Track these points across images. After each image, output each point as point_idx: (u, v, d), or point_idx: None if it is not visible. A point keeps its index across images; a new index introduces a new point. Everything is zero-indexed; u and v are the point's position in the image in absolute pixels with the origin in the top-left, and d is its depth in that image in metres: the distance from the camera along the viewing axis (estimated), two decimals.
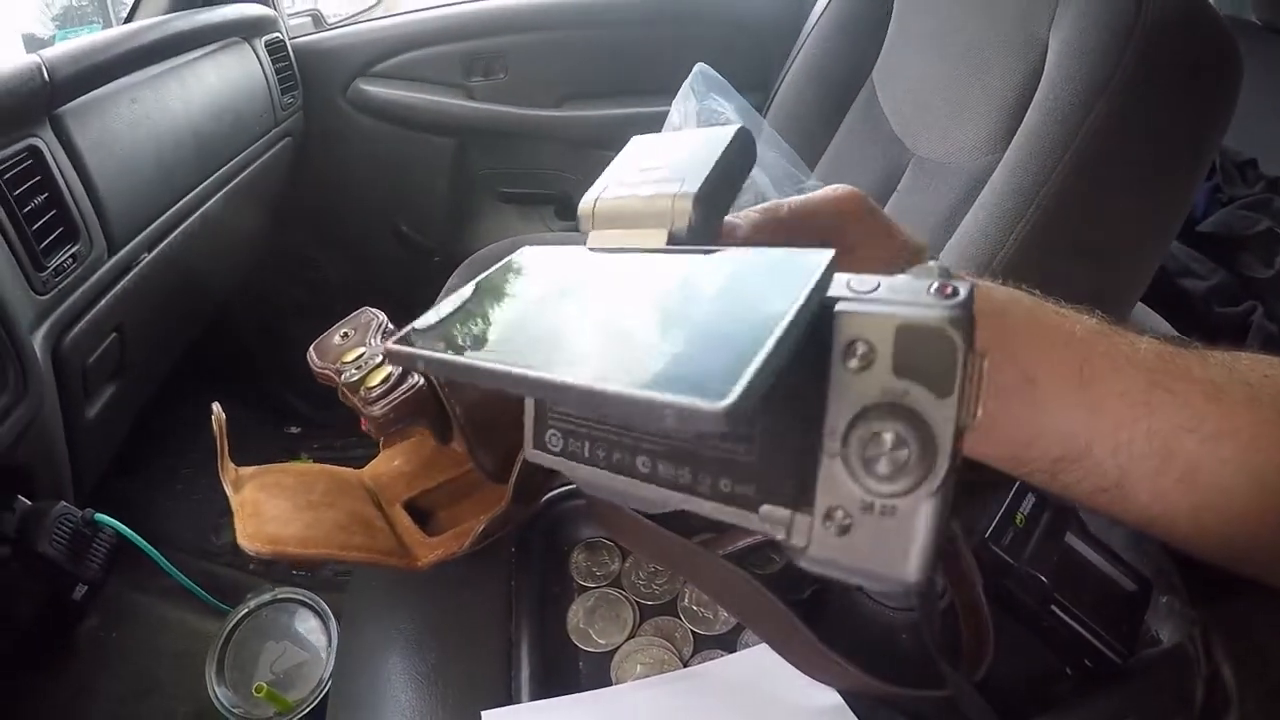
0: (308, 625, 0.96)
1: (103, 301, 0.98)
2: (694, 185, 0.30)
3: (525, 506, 0.62)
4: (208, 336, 1.47)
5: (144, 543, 0.83)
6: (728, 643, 0.58)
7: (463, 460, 0.66)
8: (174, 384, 1.39)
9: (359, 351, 0.58)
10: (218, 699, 0.88)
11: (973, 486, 0.63)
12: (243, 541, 0.51)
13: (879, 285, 0.25)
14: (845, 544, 0.24)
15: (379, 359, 0.56)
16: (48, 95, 0.85)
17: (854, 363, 0.24)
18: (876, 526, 0.24)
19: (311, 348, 0.61)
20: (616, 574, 0.63)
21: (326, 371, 0.58)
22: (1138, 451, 0.33)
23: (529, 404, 0.33)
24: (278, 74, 1.42)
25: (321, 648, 0.94)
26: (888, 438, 0.23)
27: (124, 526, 0.83)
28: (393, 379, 0.54)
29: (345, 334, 0.61)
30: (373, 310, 0.63)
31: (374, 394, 0.53)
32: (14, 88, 0.80)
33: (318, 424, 1.77)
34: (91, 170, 0.93)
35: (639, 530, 0.55)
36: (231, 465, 0.59)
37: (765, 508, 0.26)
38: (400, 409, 0.53)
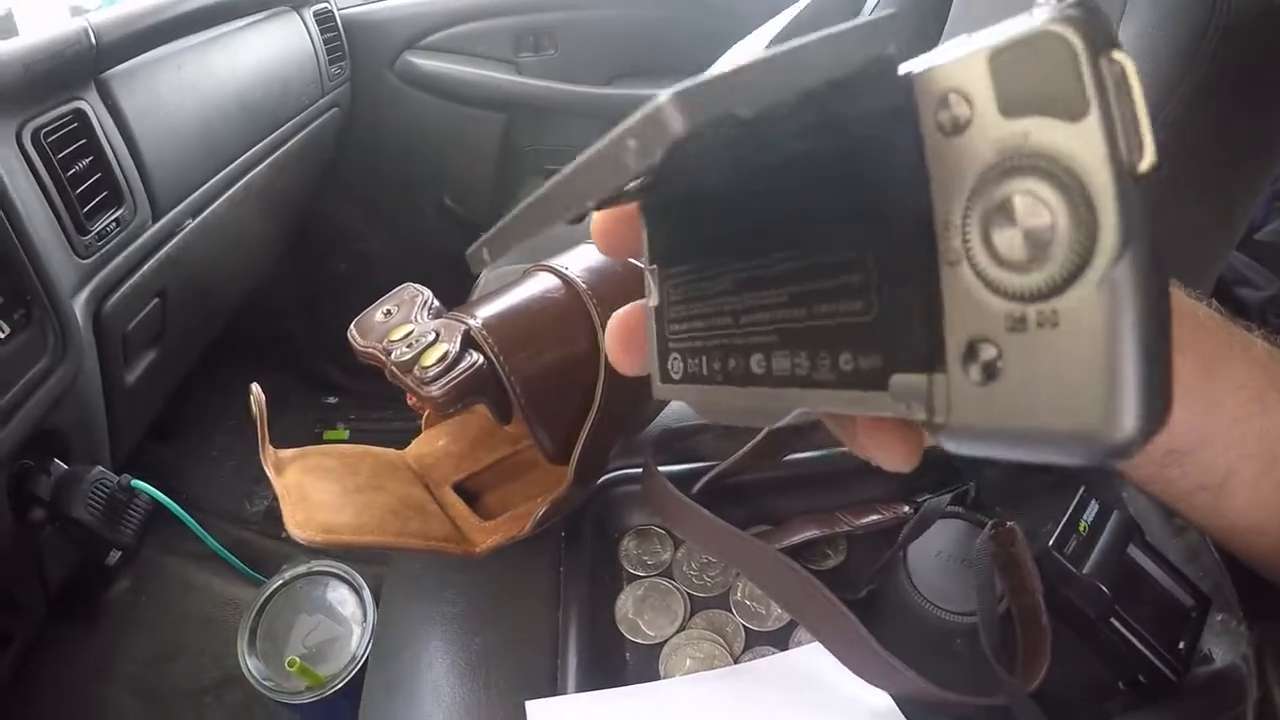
0: (342, 598, 0.95)
1: (145, 267, 0.98)
2: None
3: (584, 489, 0.60)
4: (248, 305, 1.47)
5: (179, 509, 0.83)
6: (780, 639, 0.57)
7: (512, 440, 0.65)
8: (213, 351, 1.40)
9: (407, 329, 0.54)
10: (250, 671, 0.88)
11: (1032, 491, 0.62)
12: (293, 530, 0.49)
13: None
14: (996, 395, 0.17)
15: (431, 336, 0.52)
16: (93, 59, 0.84)
17: (949, 125, 0.17)
18: (1036, 351, 0.16)
19: (353, 326, 0.58)
20: (668, 563, 0.61)
21: (371, 350, 0.55)
22: (1248, 450, 0.31)
23: (652, 340, 0.29)
24: (326, 45, 1.40)
25: (356, 622, 0.93)
26: (1018, 203, 0.16)
27: (160, 493, 0.82)
28: (449, 356, 0.50)
29: (388, 311, 0.58)
30: (416, 286, 0.60)
31: (430, 373, 0.50)
32: (60, 49, 0.79)
33: (356, 395, 1.77)
34: (137, 135, 0.93)
35: (693, 519, 0.54)
36: (272, 448, 0.56)
37: (896, 379, 0.19)
38: (460, 388, 0.50)
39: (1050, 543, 0.51)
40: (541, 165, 1.72)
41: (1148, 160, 0.15)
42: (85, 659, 1.16)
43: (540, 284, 0.58)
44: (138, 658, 1.19)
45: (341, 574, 0.96)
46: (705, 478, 0.60)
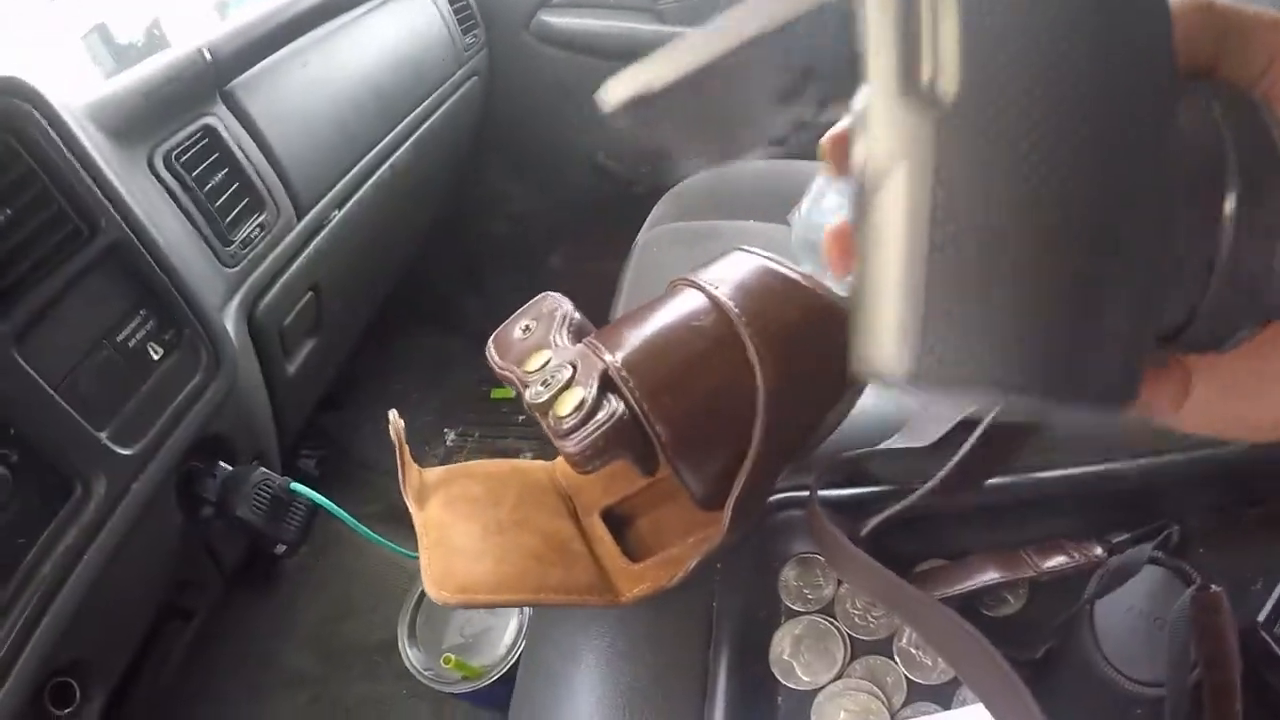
0: None
1: (295, 265, 1.02)
2: None
3: (741, 533, 0.54)
4: (409, 275, 1.52)
5: (336, 508, 0.87)
6: (944, 696, 0.52)
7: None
8: (380, 321, 1.46)
9: (544, 357, 0.50)
10: (410, 661, 0.93)
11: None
12: (430, 588, 0.47)
13: None
14: None
15: (568, 373, 0.47)
16: (214, 75, 0.87)
17: None
18: None
19: (491, 342, 0.55)
20: (829, 599, 0.57)
21: (508, 375, 0.51)
22: None
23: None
24: (456, 15, 1.39)
25: (511, 612, 0.96)
26: None
27: (318, 495, 0.87)
28: (587, 404, 0.45)
29: (526, 327, 0.54)
30: (556, 297, 0.55)
31: (565, 425, 0.45)
32: (177, 73, 0.82)
33: None
34: (269, 139, 0.96)
35: (853, 561, 0.50)
36: (415, 469, 0.55)
37: None
38: (598, 444, 0.45)
39: (1261, 617, 0.45)
40: None
41: None
42: (264, 620, 1.27)
43: (685, 304, 0.51)
44: (313, 617, 1.29)
45: None
46: (878, 519, 0.54)
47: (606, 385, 0.47)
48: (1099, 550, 0.52)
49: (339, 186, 1.09)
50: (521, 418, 1.69)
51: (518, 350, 0.52)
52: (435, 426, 1.66)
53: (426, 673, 0.92)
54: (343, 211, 1.10)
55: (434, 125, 1.32)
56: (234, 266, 0.90)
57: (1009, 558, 0.53)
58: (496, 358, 0.53)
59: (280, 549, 0.89)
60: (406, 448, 0.54)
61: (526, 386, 0.49)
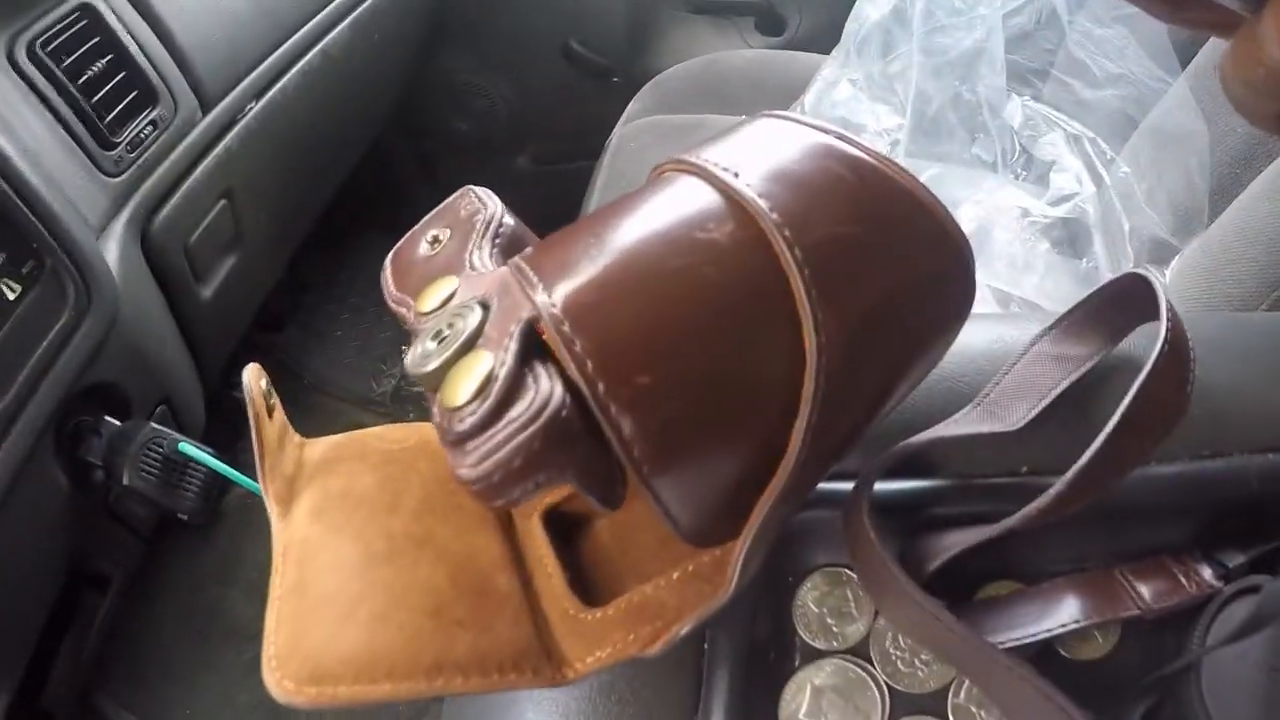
0: None
1: (200, 168, 0.85)
2: None
3: (745, 583, 0.33)
4: (359, 172, 1.35)
5: (233, 473, 0.73)
6: None
7: None
8: (324, 225, 1.30)
9: (447, 288, 0.30)
10: None
11: None
12: (266, 674, 0.29)
13: None
14: None
15: (476, 317, 0.26)
16: None
17: None
18: None
19: (389, 260, 0.34)
20: (863, 635, 0.40)
21: (401, 311, 0.31)
22: None
23: None
24: None
25: None
26: None
27: (209, 457, 0.72)
28: (496, 385, 0.24)
29: (435, 238, 0.34)
30: (479, 194, 0.34)
31: (461, 422, 0.24)
32: None
33: None
34: (166, 18, 0.78)
35: (898, 593, 0.35)
36: (291, 446, 0.36)
37: None
38: (514, 461, 0.23)
39: None
40: None
41: None
42: (204, 566, 1.15)
43: (681, 204, 0.28)
44: (258, 563, 1.16)
45: None
46: (952, 553, 0.38)
47: (532, 347, 0.25)
48: (1208, 573, 0.39)
49: (256, 74, 0.91)
50: None
51: (419, 274, 0.32)
52: (393, 343, 1.52)
53: None
54: (261, 103, 0.92)
55: (377, 3, 1.13)
56: (118, 175, 0.74)
57: (1100, 584, 0.39)
58: (392, 284, 0.33)
59: (183, 517, 0.75)
60: (267, 420, 0.34)
61: (414, 336, 0.28)
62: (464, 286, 0.29)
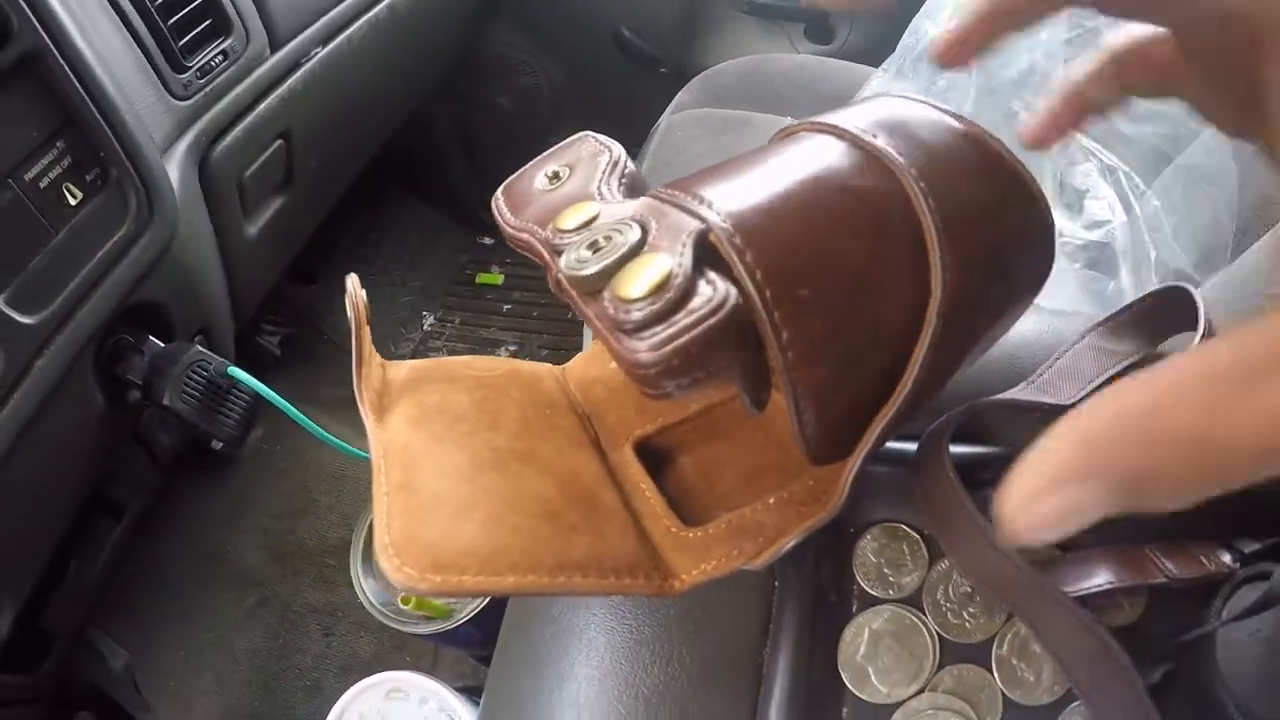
0: None
1: (263, 105, 0.85)
2: None
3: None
4: (401, 136, 1.35)
5: (281, 401, 0.72)
6: None
7: None
8: (360, 185, 1.29)
9: (589, 211, 0.31)
10: (364, 594, 0.79)
11: None
12: (385, 561, 0.28)
13: None
14: None
15: (636, 232, 0.27)
16: None
17: None
18: None
19: (500, 192, 0.35)
20: (917, 587, 0.43)
21: (526, 237, 0.32)
22: None
23: None
24: None
25: None
26: None
27: (260, 385, 0.71)
28: (675, 282, 0.25)
29: (555, 174, 0.34)
30: (600, 139, 0.36)
31: (637, 313, 0.25)
32: None
33: None
34: None
35: (969, 536, 0.36)
36: (377, 361, 0.36)
37: None
38: (692, 349, 0.25)
39: None
40: None
41: None
42: (215, 508, 1.15)
43: (821, 155, 0.31)
44: (268, 510, 1.16)
45: None
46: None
47: (705, 256, 0.27)
48: (1227, 558, 0.41)
49: (326, 19, 0.91)
50: (508, 307, 1.55)
51: (542, 204, 0.33)
52: (413, 308, 1.52)
53: (384, 608, 0.79)
54: (326, 49, 0.93)
55: None
56: (186, 99, 0.74)
57: (1131, 557, 0.41)
58: (508, 214, 0.34)
59: (217, 445, 0.74)
60: (367, 329, 0.35)
61: (559, 254, 0.29)
62: (606, 212, 0.30)
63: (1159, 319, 0.45)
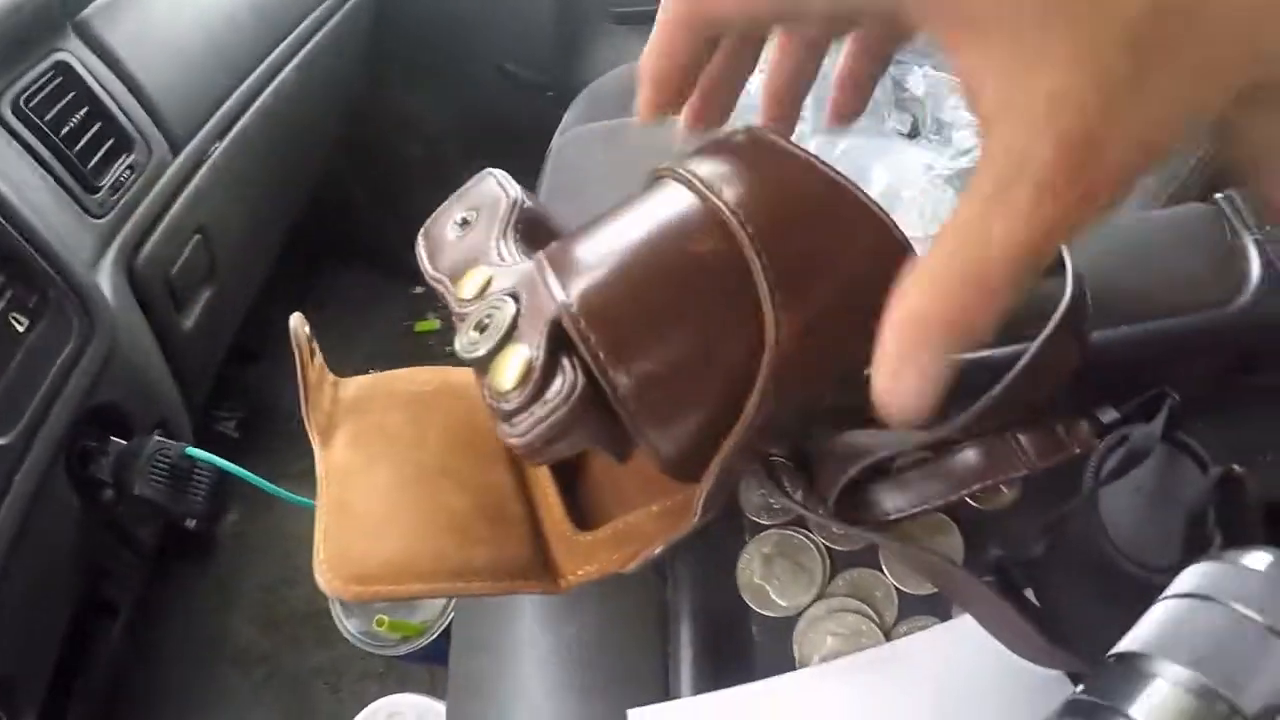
0: None
1: (175, 206, 0.91)
2: None
3: (716, 514, 0.41)
4: (321, 209, 1.40)
5: (239, 470, 0.78)
6: (941, 606, 0.45)
7: None
8: (293, 259, 1.35)
9: (482, 277, 0.35)
10: (344, 627, 0.86)
11: None
12: (319, 575, 0.35)
13: None
14: None
15: (510, 312, 0.32)
16: (62, 5, 0.77)
17: None
18: None
19: (421, 237, 0.40)
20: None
21: (441, 289, 0.37)
22: None
23: None
24: None
25: None
26: None
27: (219, 459, 0.78)
28: (534, 374, 0.31)
29: (464, 219, 0.39)
30: (498, 178, 0.41)
31: (510, 403, 0.31)
32: (18, 6, 0.71)
33: None
34: (134, 71, 0.84)
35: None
36: (328, 385, 0.42)
37: None
38: (550, 433, 0.31)
39: None
40: (607, 8, 1.55)
41: None
42: (204, 593, 1.19)
43: (673, 212, 0.34)
44: (255, 586, 1.21)
45: None
46: (853, 471, 0.44)
47: (559, 341, 0.32)
48: (1086, 429, 0.45)
49: (217, 116, 0.97)
50: (449, 349, 1.60)
51: (452, 256, 0.38)
52: (362, 370, 1.56)
53: (363, 637, 0.85)
54: (224, 143, 0.98)
55: (321, 42, 1.19)
56: (104, 216, 0.80)
57: (994, 447, 0.45)
58: (427, 261, 0.38)
59: (192, 523, 0.80)
60: (310, 361, 0.40)
61: (461, 321, 0.34)
62: (497, 277, 0.35)
63: None
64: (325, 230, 1.53)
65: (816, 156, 0.35)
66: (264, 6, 1.06)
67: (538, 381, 0.31)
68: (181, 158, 0.91)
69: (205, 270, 1.00)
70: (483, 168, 0.45)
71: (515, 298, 0.33)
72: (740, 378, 0.34)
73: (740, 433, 0.35)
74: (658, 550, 0.39)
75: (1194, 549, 0.40)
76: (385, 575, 0.37)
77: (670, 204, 0.34)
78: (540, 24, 1.53)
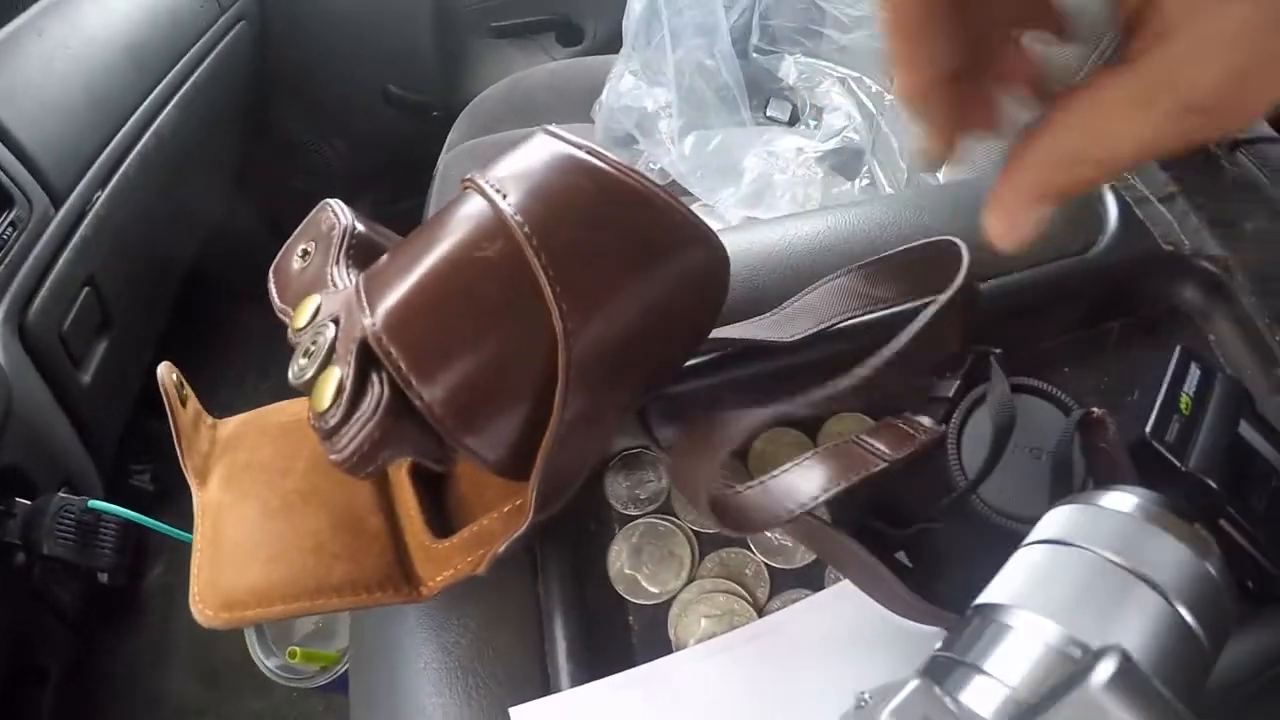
0: None
1: (61, 259, 0.90)
2: None
3: (561, 504, 0.43)
4: (216, 250, 1.38)
5: (143, 518, 0.78)
6: (813, 578, 0.45)
7: None
8: (195, 306, 1.33)
9: (313, 305, 0.37)
10: (265, 667, 0.85)
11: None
12: (193, 605, 0.37)
13: None
14: None
15: (329, 335, 0.34)
16: None
17: None
18: None
19: (271, 273, 0.42)
20: (664, 495, 0.48)
21: (285, 320, 0.38)
22: None
23: None
24: None
25: None
26: None
27: (121, 509, 0.77)
28: (346, 392, 0.33)
29: (305, 252, 0.41)
30: (333, 207, 0.42)
31: (329, 422, 0.33)
32: None
33: None
34: (8, 123, 0.83)
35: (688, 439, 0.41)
36: (204, 428, 0.44)
37: None
38: (365, 447, 0.33)
39: (1149, 429, 0.41)
40: (484, 23, 1.57)
41: None
42: (137, 652, 1.17)
43: (468, 221, 0.36)
44: (190, 638, 1.19)
45: None
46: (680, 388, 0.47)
47: (367, 360, 0.34)
48: (928, 421, 0.46)
49: (98, 164, 0.96)
50: None
51: (294, 288, 0.39)
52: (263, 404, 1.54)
53: (281, 672, 0.84)
54: (107, 190, 0.97)
55: (199, 81, 1.18)
56: None
57: (841, 454, 0.43)
58: (276, 296, 0.40)
59: (104, 578, 0.79)
60: (182, 407, 0.42)
61: (296, 348, 0.36)
62: (325, 303, 0.37)
63: (921, 270, 0.47)
64: (228, 268, 1.51)
65: (599, 151, 0.36)
66: (139, 48, 1.05)
67: (349, 399, 0.33)
68: (64, 210, 0.90)
69: (99, 322, 0.99)
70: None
71: (336, 322, 0.35)
72: (547, 374, 0.35)
73: (555, 426, 0.36)
74: (501, 549, 0.40)
75: (1061, 494, 0.39)
76: (250, 600, 0.39)
77: (466, 213, 0.36)
78: (421, 44, 1.54)
